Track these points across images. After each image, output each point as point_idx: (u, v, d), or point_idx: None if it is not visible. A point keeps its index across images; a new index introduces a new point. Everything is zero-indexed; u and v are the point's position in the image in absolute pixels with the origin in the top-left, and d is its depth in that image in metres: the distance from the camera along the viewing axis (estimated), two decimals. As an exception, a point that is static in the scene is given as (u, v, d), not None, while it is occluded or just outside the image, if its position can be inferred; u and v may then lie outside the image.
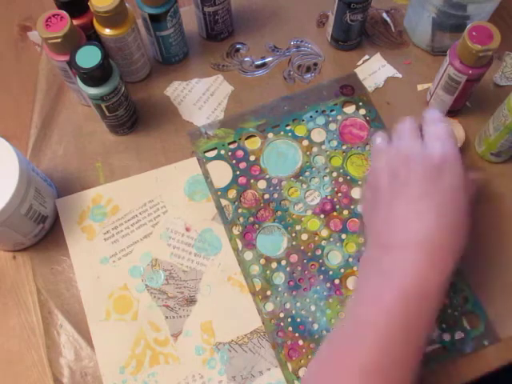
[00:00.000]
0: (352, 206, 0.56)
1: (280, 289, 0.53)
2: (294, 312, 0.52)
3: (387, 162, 0.48)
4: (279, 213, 0.56)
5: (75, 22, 0.54)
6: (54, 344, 0.52)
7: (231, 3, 0.62)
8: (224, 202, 0.57)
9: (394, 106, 0.62)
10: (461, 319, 0.52)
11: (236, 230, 0.56)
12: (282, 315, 0.52)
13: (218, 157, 0.59)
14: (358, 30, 0.62)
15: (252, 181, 0.58)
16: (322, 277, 0.54)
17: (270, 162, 0.59)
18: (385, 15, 0.67)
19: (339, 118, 0.61)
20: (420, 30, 0.63)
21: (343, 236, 0.55)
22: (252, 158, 0.59)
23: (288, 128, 0.60)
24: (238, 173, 0.58)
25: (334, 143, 0.59)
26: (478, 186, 0.49)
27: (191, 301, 0.53)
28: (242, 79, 0.64)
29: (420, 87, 0.63)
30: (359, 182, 0.58)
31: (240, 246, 0.55)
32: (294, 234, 0.55)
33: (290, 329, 0.52)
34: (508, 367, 0.51)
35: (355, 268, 0.54)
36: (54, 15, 0.52)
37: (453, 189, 0.45)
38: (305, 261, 0.54)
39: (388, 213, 0.46)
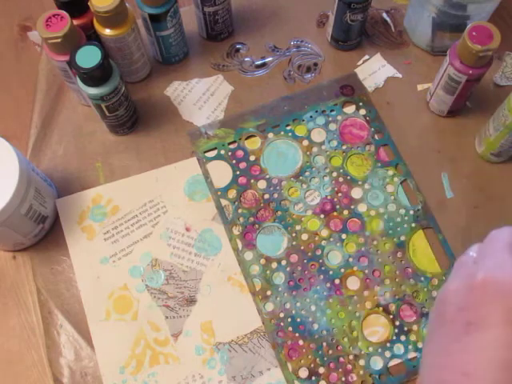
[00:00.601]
0: (352, 206, 0.56)
1: (280, 289, 0.53)
2: (294, 312, 0.52)
3: (461, 285, 0.34)
4: (279, 213, 0.56)
5: (75, 22, 0.54)
6: (54, 344, 0.52)
7: (231, 3, 0.62)
8: (224, 201, 0.57)
9: (394, 105, 0.62)
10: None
11: (236, 230, 0.56)
12: (282, 315, 0.52)
13: (218, 157, 0.59)
14: (358, 30, 0.62)
15: (252, 181, 0.58)
16: (322, 277, 0.54)
17: (270, 162, 0.59)
18: (385, 15, 0.67)
19: (339, 118, 0.61)
20: (420, 30, 0.63)
21: (343, 236, 0.55)
22: (252, 158, 0.59)
23: (288, 128, 0.60)
24: (238, 173, 0.58)
25: (334, 143, 0.59)
26: None
27: (191, 301, 0.53)
28: (242, 79, 0.64)
29: (420, 87, 0.63)
30: (359, 182, 0.58)
31: (240, 246, 0.55)
32: (294, 234, 0.55)
33: (290, 329, 0.52)
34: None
35: (355, 268, 0.54)
36: (54, 15, 0.52)
37: None
38: (305, 261, 0.54)
39: (438, 358, 0.33)
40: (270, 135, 0.60)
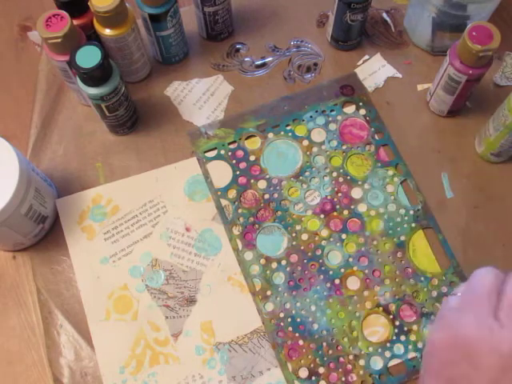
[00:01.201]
0: (352, 206, 0.56)
1: (280, 289, 0.53)
2: (294, 312, 0.52)
3: (445, 338, 0.34)
4: (279, 213, 0.56)
5: (75, 22, 0.54)
6: (54, 344, 0.52)
7: (231, 3, 0.62)
8: (224, 201, 0.57)
9: (394, 105, 0.62)
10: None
11: (236, 230, 0.56)
12: (282, 315, 0.52)
13: (218, 157, 0.59)
14: (358, 30, 0.62)
15: (252, 181, 0.58)
16: (322, 277, 0.54)
17: (270, 161, 0.59)
18: (385, 15, 0.67)
19: (339, 118, 0.61)
20: (420, 30, 0.63)
21: (343, 236, 0.55)
22: (252, 158, 0.59)
23: (288, 128, 0.60)
24: (238, 173, 0.58)
25: (334, 143, 0.59)
26: None
27: (191, 301, 0.53)
28: (242, 79, 0.64)
29: (420, 87, 0.63)
30: (359, 182, 0.58)
31: (240, 246, 0.55)
32: (294, 234, 0.55)
33: (290, 329, 0.52)
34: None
35: (355, 268, 0.54)
36: (54, 15, 0.52)
37: None
38: (305, 261, 0.54)
39: None
40: (270, 135, 0.60)
